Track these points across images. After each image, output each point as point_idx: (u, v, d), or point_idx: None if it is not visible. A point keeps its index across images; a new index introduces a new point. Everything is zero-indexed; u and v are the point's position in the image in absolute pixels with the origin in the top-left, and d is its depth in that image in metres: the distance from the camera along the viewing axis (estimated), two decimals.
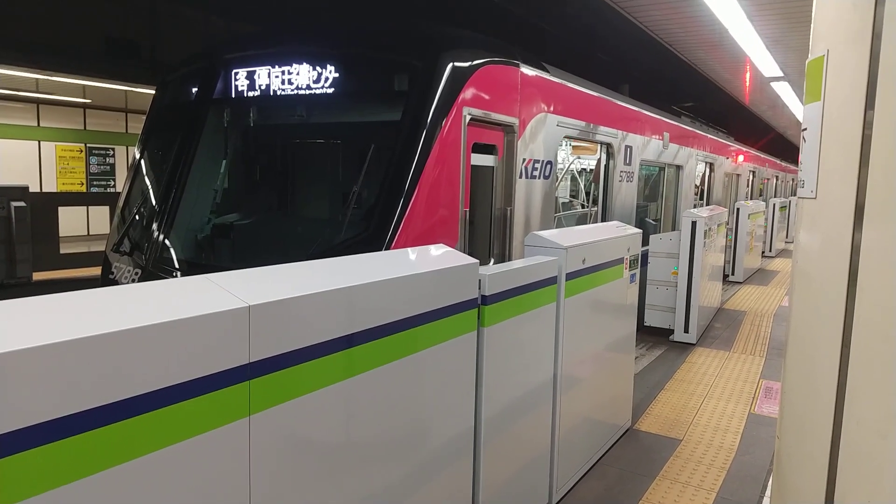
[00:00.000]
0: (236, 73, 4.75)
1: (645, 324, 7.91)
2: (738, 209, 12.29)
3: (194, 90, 5.07)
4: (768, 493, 3.89)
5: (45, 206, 11.90)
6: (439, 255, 2.79)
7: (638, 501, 3.80)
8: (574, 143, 8.04)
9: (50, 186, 14.98)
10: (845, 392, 1.55)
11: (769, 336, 8.06)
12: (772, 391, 5.88)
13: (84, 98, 14.99)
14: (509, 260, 4.84)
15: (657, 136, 8.51)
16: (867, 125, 1.48)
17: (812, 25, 1.83)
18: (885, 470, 1.44)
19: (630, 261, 4.59)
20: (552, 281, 3.49)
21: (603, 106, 6.72)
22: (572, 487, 3.92)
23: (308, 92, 4.41)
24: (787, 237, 19.65)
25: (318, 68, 4.36)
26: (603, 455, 4.39)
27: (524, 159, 5.03)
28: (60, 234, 12.37)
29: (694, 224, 7.44)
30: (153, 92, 5.65)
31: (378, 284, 2.24)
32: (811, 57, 1.77)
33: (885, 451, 1.44)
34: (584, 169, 10.31)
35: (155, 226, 4.70)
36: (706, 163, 11.64)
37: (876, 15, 1.44)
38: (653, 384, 6.00)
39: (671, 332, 7.73)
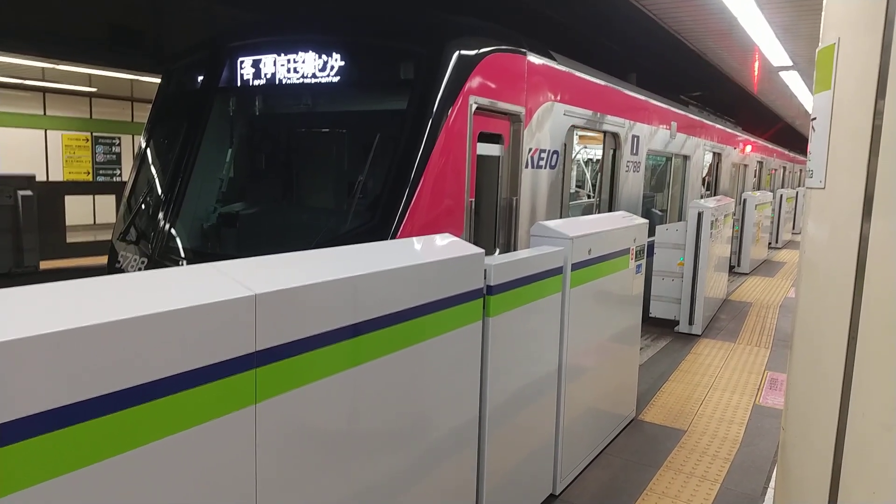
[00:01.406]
0: (241, 62, 4.74)
1: (650, 315, 7.90)
2: (744, 200, 12.22)
3: (200, 79, 5.07)
4: (772, 483, 3.90)
5: (51, 194, 11.92)
6: (445, 245, 2.79)
7: (642, 491, 3.81)
8: (581, 133, 8.00)
9: (56, 175, 15.03)
10: (851, 383, 1.54)
11: (775, 327, 8.04)
12: (777, 382, 5.87)
13: (90, 87, 15.00)
14: (515, 250, 4.84)
15: (664, 126, 8.45)
16: (877, 115, 1.46)
17: (823, 13, 1.81)
18: (890, 462, 1.44)
19: (636, 251, 4.57)
20: (558, 271, 3.49)
21: (610, 95, 6.67)
22: (576, 477, 3.93)
23: (313, 80, 4.39)
24: (793, 228, 19.54)
25: (323, 56, 4.34)
26: (607, 445, 4.40)
27: (530, 149, 5.01)
28: (67, 223, 12.41)
29: (700, 215, 7.40)
30: (159, 81, 5.65)
31: (384, 274, 2.24)
32: (822, 45, 1.75)
33: (891, 442, 1.43)
34: (591, 159, 10.27)
35: (161, 215, 4.71)
36: (713, 153, 11.57)
37: (889, 2, 1.42)
38: (657, 375, 6.00)
39: (676, 323, 7.72)
